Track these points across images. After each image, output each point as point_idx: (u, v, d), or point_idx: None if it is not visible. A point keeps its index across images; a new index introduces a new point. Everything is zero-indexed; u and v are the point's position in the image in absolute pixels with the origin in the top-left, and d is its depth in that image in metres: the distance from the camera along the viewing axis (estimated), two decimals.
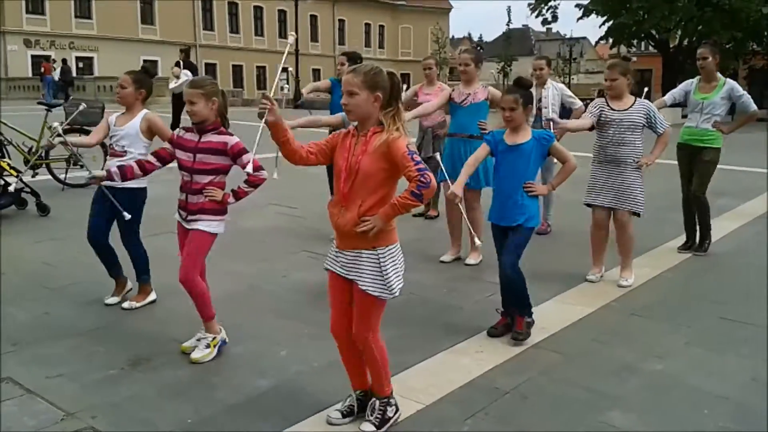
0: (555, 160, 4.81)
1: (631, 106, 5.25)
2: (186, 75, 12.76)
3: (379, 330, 3.10)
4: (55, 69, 33.15)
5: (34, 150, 8.95)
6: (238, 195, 3.88)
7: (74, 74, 35.40)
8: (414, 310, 4.71)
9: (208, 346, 3.88)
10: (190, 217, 3.86)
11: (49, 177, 9.05)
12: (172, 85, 14.76)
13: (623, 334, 4.45)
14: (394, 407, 3.19)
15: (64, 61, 35.22)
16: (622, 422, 3.27)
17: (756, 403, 3.48)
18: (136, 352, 3.93)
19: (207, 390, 3.52)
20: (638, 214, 5.39)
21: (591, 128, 5.43)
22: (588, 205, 5.50)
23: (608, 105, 5.30)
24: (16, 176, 7.24)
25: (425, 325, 4.49)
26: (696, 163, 6.32)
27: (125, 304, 4.67)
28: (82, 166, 9.01)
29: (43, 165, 9.02)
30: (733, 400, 3.51)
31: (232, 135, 3.84)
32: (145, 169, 4.08)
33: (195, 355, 3.84)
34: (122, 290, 4.80)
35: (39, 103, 10.22)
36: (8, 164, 7.47)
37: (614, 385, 3.67)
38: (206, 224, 3.84)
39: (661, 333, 4.47)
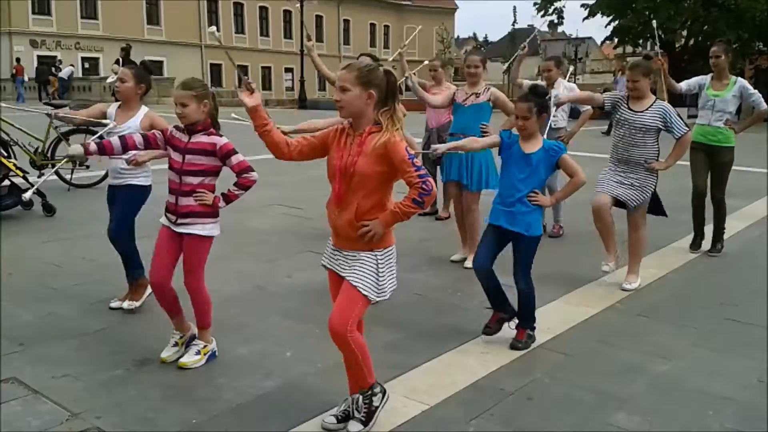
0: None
1: (647, 109, 5.14)
2: None
3: (356, 326, 3.02)
4: (60, 69, 33.22)
5: (39, 150, 8.98)
6: (228, 198, 3.78)
7: (80, 74, 35.38)
8: (419, 311, 4.69)
9: (198, 353, 3.83)
10: (180, 221, 3.75)
11: (55, 177, 9.07)
12: (109, 80, 15.08)
13: (628, 335, 4.44)
14: (379, 394, 3.12)
15: (40, 61, 34.94)
16: (628, 423, 3.26)
17: (762, 404, 3.46)
18: (142, 353, 3.93)
19: (212, 390, 3.53)
20: (665, 214, 5.37)
21: (599, 108, 5.48)
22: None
23: (626, 103, 5.24)
24: (23, 177, 7.27)
25: (430, 326, 4.47)
26: (713, 164, 6.35)
27: (125, 305, 4.62)
28: (87, 167, 9.10)
29: (49, 165, 9.05)
30: (738, 402, 3.50)
31: (221, 136, 3.78)
32: (126, 144, 3.81)
33: (184, 359, 3.79)
34: (142, 292, 4.70)
35: (45, 104, 10.25)
36: (14, 164, 7.49)
37: (619, 387, 3.66)
38: (200, 228, 3.75)
39: (667, 334, 4.45)
